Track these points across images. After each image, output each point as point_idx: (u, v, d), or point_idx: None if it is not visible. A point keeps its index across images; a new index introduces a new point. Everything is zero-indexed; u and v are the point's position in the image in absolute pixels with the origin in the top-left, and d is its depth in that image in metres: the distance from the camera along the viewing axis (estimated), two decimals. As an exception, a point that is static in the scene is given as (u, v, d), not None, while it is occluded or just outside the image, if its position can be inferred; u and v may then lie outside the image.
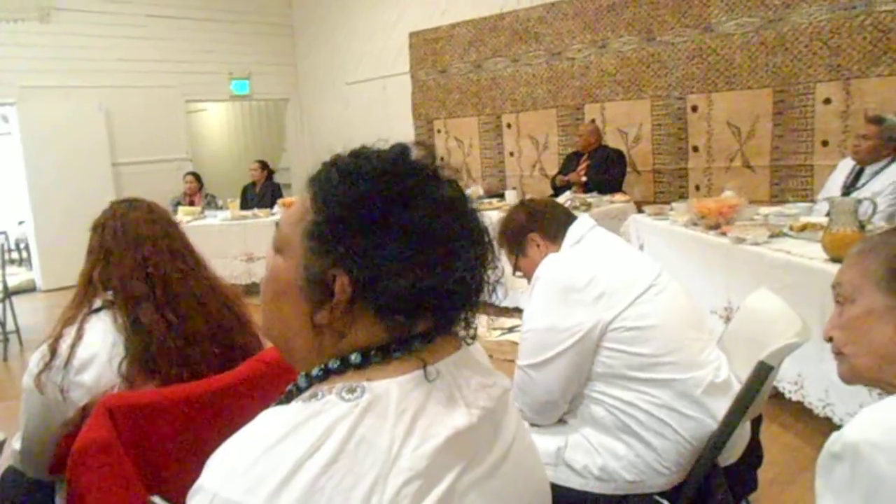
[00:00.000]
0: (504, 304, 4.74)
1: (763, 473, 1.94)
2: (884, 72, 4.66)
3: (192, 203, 7.04)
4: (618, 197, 5.17)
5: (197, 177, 7.41)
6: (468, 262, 0.75)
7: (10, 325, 5.07)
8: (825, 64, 4.93)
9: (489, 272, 0.80)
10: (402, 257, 0.70)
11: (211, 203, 7.13)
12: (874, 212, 2.61)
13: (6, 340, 4.96)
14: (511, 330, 4.42)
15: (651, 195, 6.00)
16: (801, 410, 2.79)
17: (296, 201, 0.81)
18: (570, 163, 5.96)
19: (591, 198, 4.98)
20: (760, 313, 1.79)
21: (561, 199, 4.95)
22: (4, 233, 8.88)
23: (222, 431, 1.61)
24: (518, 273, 1.93)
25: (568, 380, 1.62)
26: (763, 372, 1.48)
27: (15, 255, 8.67)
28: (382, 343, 0.73)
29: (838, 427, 2.68)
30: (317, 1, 8.88)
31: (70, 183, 7.15)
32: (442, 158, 0.83)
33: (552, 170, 6.48)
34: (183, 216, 6.34)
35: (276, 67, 9.18)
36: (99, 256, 1.63)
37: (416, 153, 0.79)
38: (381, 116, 8.26)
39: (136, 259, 1.62)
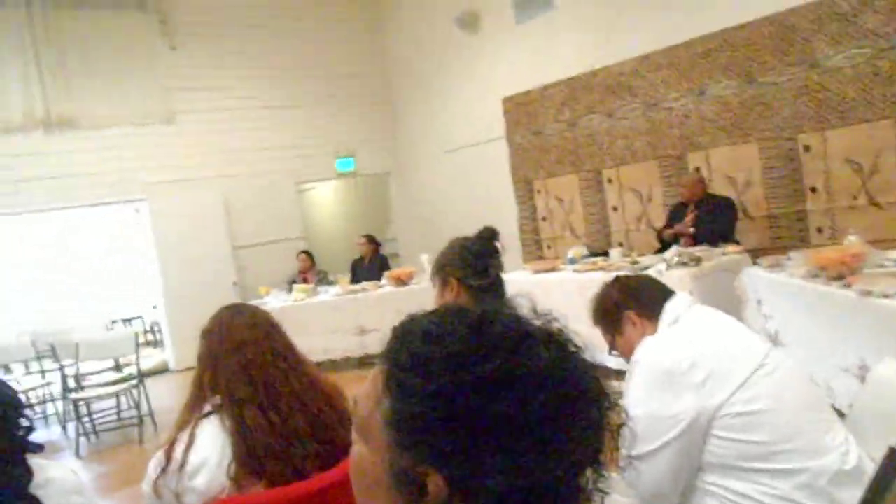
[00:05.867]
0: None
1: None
2: None
3: (305, 280, 7.37)
4: (730, 248, 4.93)
5: (309, 255, 7.77)
6: (581, 434, 0.66)
7: (144, 408, 5.41)
8: (951, 89, 4.57)
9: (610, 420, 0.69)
10: (499, 451, 0.62)
11: (323, 279, 7.43)
12: None
13: (141, 423, 5.30)
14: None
15: (767, 241, 5.68)
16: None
17: (371, 379, 0.74)
18: (676, 214, 5.77)
19: (701, 251, 4.76)
20: (890, 386, 1.63)
21: (669, 254, 4.78)
22: (140, 317, 9.63)
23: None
24: (615, 353, 1.86)
25: (677, 472, 1.53)
26: (895, 459, 1.33)
27: (150, 338, 9.36)
28: None
29: None
30: (413, 76, 9.27)
31: (196, 268, 7.71)
32: (535, 312, 0.73)
33: (658, 222, 6.29)
34: (298, 294, 6.63)
35: (378, 143, 9.60)
36: (207, 362, 1.73)
37: (499, 314, 0.70)
38: (480, 181, 8.39)
39: (240, 363, 1.69)
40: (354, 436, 0.75)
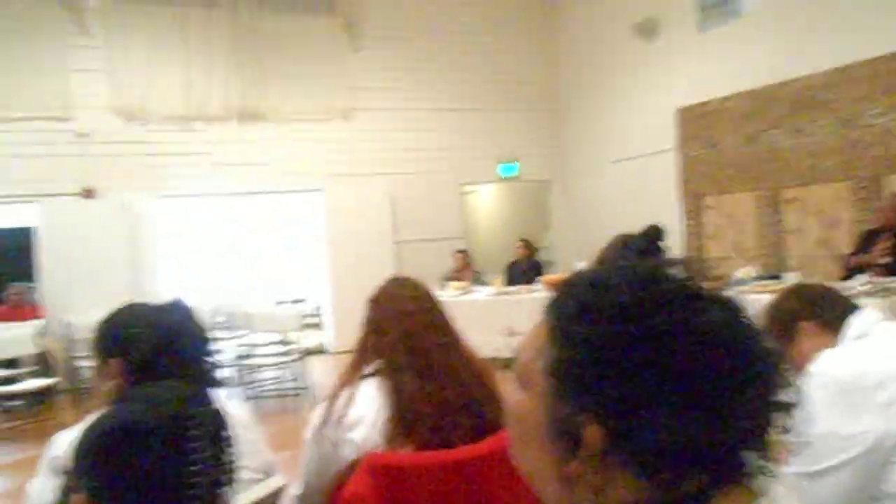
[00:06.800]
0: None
1: None
2: None
3: (460, 278, 7.51)
4: (929, 282, 4.40)
5: (466, 254, 7.92)
6: (748, 402, 0.62)
7: (303, 381, 5.80)
8: None
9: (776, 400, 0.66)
10: (662, 405, 0.61)
11: (477, 279, 7.54)
12: None
13: (299, 395, 5.68)
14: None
15: (978, 280, 5.00)
16: None
17: (535, 329, 0.74)
18: (867, 242, 5.23)
19: (894, 282, 4.30)
20: None
21: (855, 282, 4.37)
22: (304, 300, 10.29)
23: (469, 502, 1.67)
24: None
25: (848, 496, 1.39)
26: None
27: (311, 321, 9.97)
28: (648, 502, 0.64)
29: None
30: (583, 84, 9.17)
31: (359, 257, 8.14)
32: (704, 265, 0.72)
33: (844, 249, 5.74)
34: (452, 290, 6.79)
35: (542, 150, 9.60)
36: (372, 328, 1.83)
37: (670, 271, 0.68)
38: (645, 193, 8.12)
39: (401, 332, 1.77)
40: (514, 385, 0.75)
